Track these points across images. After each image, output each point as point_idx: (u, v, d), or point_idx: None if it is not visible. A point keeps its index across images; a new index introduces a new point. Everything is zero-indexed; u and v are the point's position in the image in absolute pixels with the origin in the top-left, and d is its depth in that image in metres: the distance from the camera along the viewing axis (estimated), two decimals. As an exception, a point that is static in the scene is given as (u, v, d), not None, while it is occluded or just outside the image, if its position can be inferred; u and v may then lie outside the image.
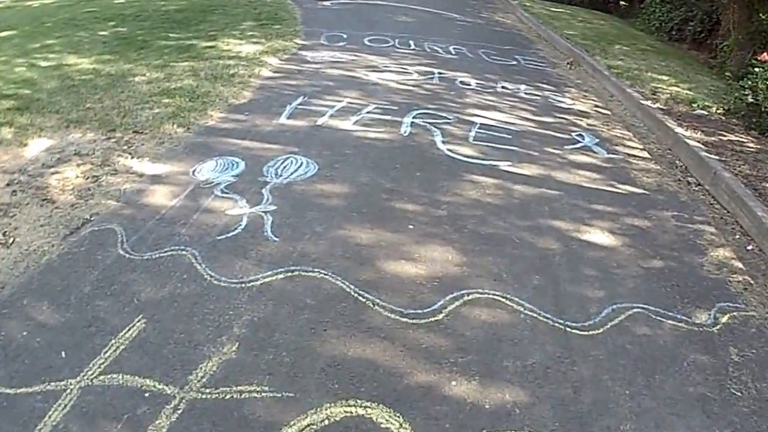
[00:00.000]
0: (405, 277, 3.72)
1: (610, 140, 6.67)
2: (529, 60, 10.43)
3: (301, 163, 5.14)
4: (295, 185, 4.77)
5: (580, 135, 6.69)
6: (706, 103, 8.06)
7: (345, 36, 10.48)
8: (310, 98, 6.91)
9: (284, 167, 5.06)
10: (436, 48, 10.29)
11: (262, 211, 4.34)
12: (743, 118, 7.38)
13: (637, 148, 6.56)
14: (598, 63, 10.22)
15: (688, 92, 8.61)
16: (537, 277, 3.87)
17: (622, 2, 23.96)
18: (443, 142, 5.92)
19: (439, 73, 8.58)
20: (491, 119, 6.80)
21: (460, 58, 9.74)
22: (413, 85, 7.78)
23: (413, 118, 6.49)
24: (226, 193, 4.59)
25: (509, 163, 5.61)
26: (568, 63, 10.72)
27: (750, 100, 7.22)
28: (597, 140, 6.59)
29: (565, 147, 6.26)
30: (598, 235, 4.50)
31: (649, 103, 7.88)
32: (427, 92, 7.55)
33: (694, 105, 7.99)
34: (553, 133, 6.64)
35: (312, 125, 6.08)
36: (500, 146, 6.01)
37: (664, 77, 9.50)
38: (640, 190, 5.42)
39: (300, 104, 6.68)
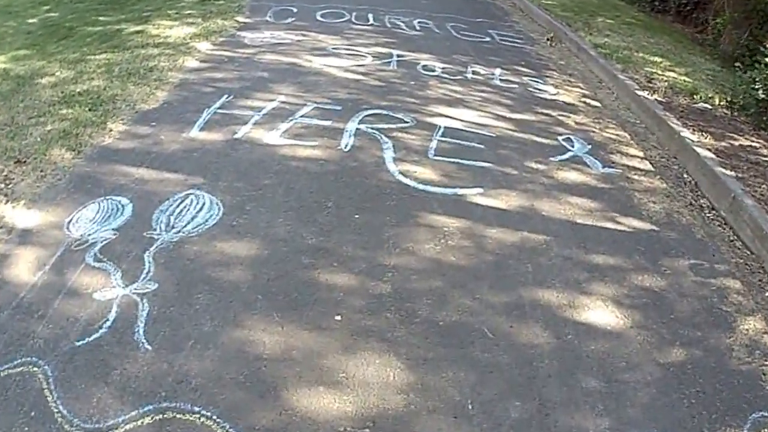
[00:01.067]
0: (323, 420, 2.37)
1: (604, 146, 5.35)
2: (505, 36, 8.98)
3: (203, 205, 3.75)
4: (188, 244, 3.39)
5: (568, 140, 5.34)
6: (708, 95, 6.73)
7: (295, 10, 8.94)
8: (235, 98, 5.45)
9: (180, 212, 3.67)
10: (398, 23, 8.79)
11: (139, 293, 2.98)
12: (753, 116, 6.06)
13: (636, 156, 5.23)
14: (583, 40, 8.81)
15: (686, 79, 7.30)
16: (517, 404, 2.55)
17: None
18: (395, 159, 4.54)
19: (399, 55, 7.12)
20: (459, 120, 5.43)
21: (425, 35, 8.27)
22: (365, 73, 6.34)
23: (359, 122, 5.09)
24: (100, 259, 3.23)
25: (480, 191, 4.26)
26: (548, 39, 9.30)
27: (761, 95, 5.89)
28: (589, 147, 5.25)
29: (552, 159, 4.93)
30: (600, 312, 3.20)
31: (645, 94, 6.53)
32: (382, 83, 6.12)
33: (695, 97, 6.70)
34: (535, 138, 5.29)
35: (229, 139, 4.66)
36: (469, 162, 4.67)
37: (657, 59, 8.15)
38: (648, 225, 4.12)
39: (220, 107, 5.24)
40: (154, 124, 4.95)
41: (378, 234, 3.60)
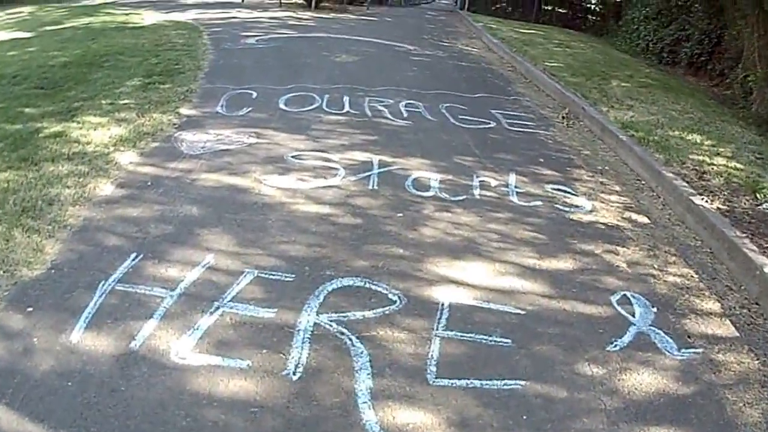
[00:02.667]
0: None
1: (671, 301, 3.69)
2: (512, 117, 7.20)
3: None
4: None
5: (624, 300, 3.64)
6: (769, 184, 5.13)
7: (254, 96, 7.14)
8: (146, 259, 3.63)
9: None
10: (380, 108, 6.98)
11: None
12: None
13: (714, 313, 3.63)
14: (605, 117, 7.08)
15: (737, 166, 5.74)
16: None
17: (591, 17, 20.96)
18: (372, 394, 2.69)
19: (381, 164, 5.30)
20: (470, 287, 3.62)
21: (415, 126, 6.45)
22: (334, 203, 4.49)
23: (318, 310, 3.24)
24: None
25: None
26: (563, 117, 7.53)
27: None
28: (654, 310, 3.57)
29: (609, 348, 3.16)
30: None
31: (703, 202, 4.76)
32: (357, 220, 4.29)
33: (758, 196, 5.06)
34: (581, 308, 3.53)
35: (121, 354, 2.87)
36: (491, 384, 2.88)
37: (695, 137, 6.55)
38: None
39: (121, 279, 3.40)
40: (30, 309, 3.17)
41: None
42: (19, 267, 3.53)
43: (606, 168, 5.89)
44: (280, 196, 4.53)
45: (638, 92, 8.70)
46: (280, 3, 17.53)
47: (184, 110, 6.51)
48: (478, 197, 4.82)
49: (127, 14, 13.94)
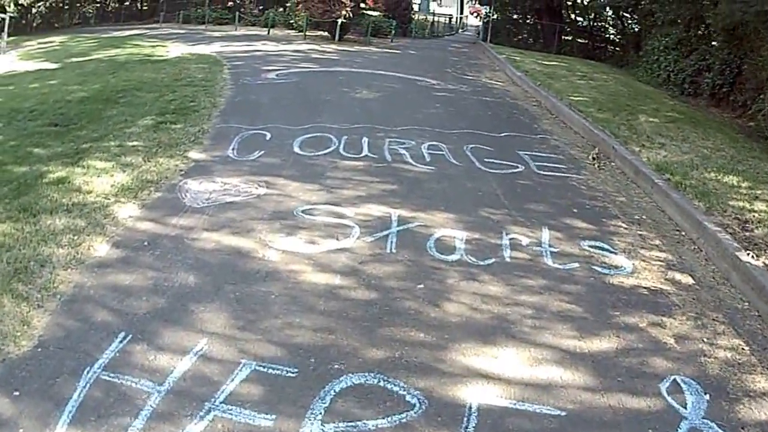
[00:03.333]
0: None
1: (722, 383, 3.18)
2: (541, 159, 6.60)
3: None
4: None
5: (675, 388, 3.09)
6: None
7: (268, 137, 6.63)
8: (134, 341, 3.13)
9: None
10: (400, 151, 6.41)
11: None
12: None
13: None
14: (638, 157, 6.51)
15: None
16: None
17: (611, 47, 20.37)
18: None
19: (401, 220, 4.70)
20: (502, 382, 3.05)
21: (437, 172, 5.87)
22: (346, 272, 3.91)
23: (323, 421, 2.70)
24: None
25: None
26: (593, 158, 6.91)
27: None
28: (707, 398, 3.12)
29: None
30: None
31: (749, 258, 4.24)
32: (371, 293, 3.71)
33: None
34: (628, 401, 3.02)
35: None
36: None
37: (732, 178, 5.99)
38: None
39: (107, 368, 2.94)
40: (17, 393, 2.76)
41: None
42: (7, 341, 3.11)
43: (643, 217, 5.27)
44: (286, 262, 3.96)
45: (667, 128, 8.09)
46: (305, 36, 17.16)
47: (194, 154, 6.01)
48: (508, 260, 4.21)
49: (153, 46, 13.65)
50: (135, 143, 6.29)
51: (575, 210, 5.26)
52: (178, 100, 8.12)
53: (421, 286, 3.77)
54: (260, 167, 5.71)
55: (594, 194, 5.72)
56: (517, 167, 6.23)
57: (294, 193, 5.10)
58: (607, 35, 20.99)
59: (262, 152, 6.14)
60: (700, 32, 12.51)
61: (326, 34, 17.53)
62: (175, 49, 13.31)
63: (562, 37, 20.27)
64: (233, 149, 6.22)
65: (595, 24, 20.99)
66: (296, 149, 6.30)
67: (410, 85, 10.48)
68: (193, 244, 4.18)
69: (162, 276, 3.75)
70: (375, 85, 10.03)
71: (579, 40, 20.73)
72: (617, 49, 19.66)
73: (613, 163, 6.77)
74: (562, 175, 6.19)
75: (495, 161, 6.35)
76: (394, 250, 4.19)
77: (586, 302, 3.78)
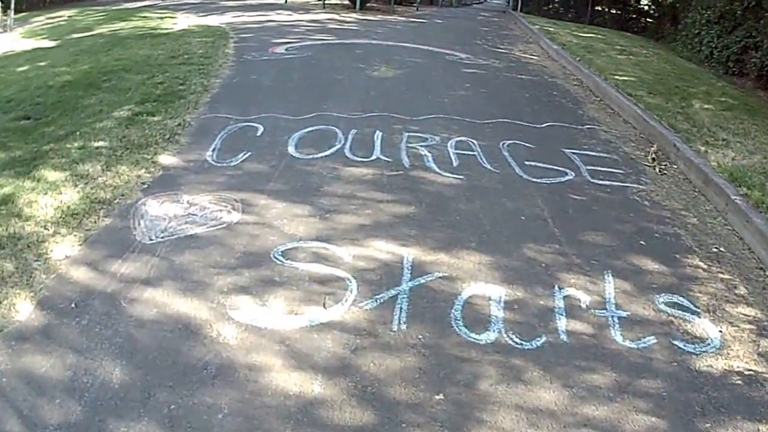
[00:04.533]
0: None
1: None
2: (593, 159, 5.17)
3: None
4: None
5: None
6: None
7: (260, 132, 5.24)
8: None
9: None
10: (422, 152, 4.98)
11: None
12: None
13: None
14: (703, 159, 5.06)
15: None
16: None
17: (645, 19, 18.34)
18: None
19: (414, 270, 3.28)
20: None
21: (468, 184, 4.45)
22: (331, 371, 2.58)
23: None
24: None
25: None
26: (652, 159, 5.41)
27: None
28: None
29: None
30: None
31: None
32: (362, 420, 2.37)
33: None
34: None
35: None
36: None
37: None
38: None
39: None
40: None
41: None
42: None
43: (721, 249, 3.86)
44: (248, 348, 2.61)
45: (725, 118, 6.56)
46: (324, 4, 15.51)
47: (164, 158, 4.65)
48: (564, 339, 2.80)
49: (162, 18, 12.22)
50: (100, 144, 4.96)
51: (642, 242, 3.82)
52: (167, 83, 6.74)
53: (440, 396, 2.38)
54: (241, 178, 4.33)
55: (661, 214, 4.26)
56: (566, 174, 4.76)
57: (276, 220, 3.71)
58: (641, 6, 18.97)
59: (248, 154, 4.75)
60: (745, 5, 10.73)
61: (347, 2, 15.85)
62: (183, 21, 11.85)
63: (594, 6, 18.36)
64: (213, 150, 4.85)
65: (630, -7, 19.04)
66: (291, 150, 4.90)
67: (436, 59, 8.91)
68: (129, 309, 2.86)
69: (83, 365, 2.48)
70: (396, 60, 8.49)
71: (611, 11, 18.79)
72: (652, 21, 17.68)
73: (675, 166, 5.29)
74: (620, 184, 4.72)
75: (538, 164, 4.89)
76: (403, 326, 2.80)
77: (669, 410, 2.42)
